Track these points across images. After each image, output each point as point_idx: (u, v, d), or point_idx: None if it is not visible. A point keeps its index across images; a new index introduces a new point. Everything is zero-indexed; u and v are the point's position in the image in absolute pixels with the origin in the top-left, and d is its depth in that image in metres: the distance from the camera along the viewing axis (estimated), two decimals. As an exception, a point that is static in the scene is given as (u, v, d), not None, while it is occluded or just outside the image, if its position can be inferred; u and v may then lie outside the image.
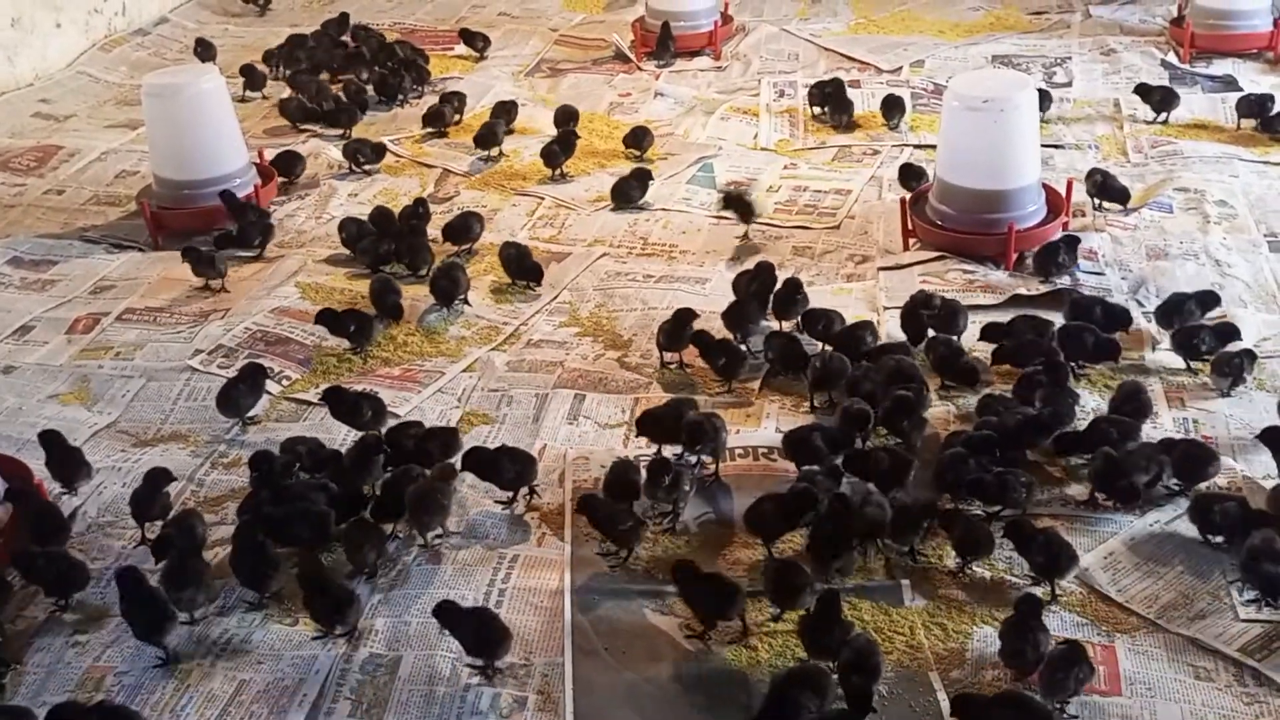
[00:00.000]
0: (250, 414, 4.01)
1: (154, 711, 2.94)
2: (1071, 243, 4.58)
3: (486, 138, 5.82)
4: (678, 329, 4.18)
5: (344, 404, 3.88)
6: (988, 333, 4.12)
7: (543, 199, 5.50)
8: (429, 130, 6.13)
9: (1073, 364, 3.97)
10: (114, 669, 3.07)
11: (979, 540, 3.27)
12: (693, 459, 3.67)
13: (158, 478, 3.56)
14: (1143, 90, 5.97)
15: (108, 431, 4.03)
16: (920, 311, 4.20)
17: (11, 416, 4.07)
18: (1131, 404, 3.75)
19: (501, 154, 5.42)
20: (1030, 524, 3.28)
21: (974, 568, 3.27)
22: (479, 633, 3.01)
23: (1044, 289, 4.49)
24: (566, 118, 5.98)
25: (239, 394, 3.98)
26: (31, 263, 5.16)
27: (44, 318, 4.71)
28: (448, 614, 3.04)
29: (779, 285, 4.39)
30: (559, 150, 5.65)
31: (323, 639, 3.11)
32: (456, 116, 6.26)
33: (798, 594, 3.10)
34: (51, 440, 3.72)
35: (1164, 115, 5.90)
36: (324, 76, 6.82)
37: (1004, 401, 3.81)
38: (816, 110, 6.19)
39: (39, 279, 5.03)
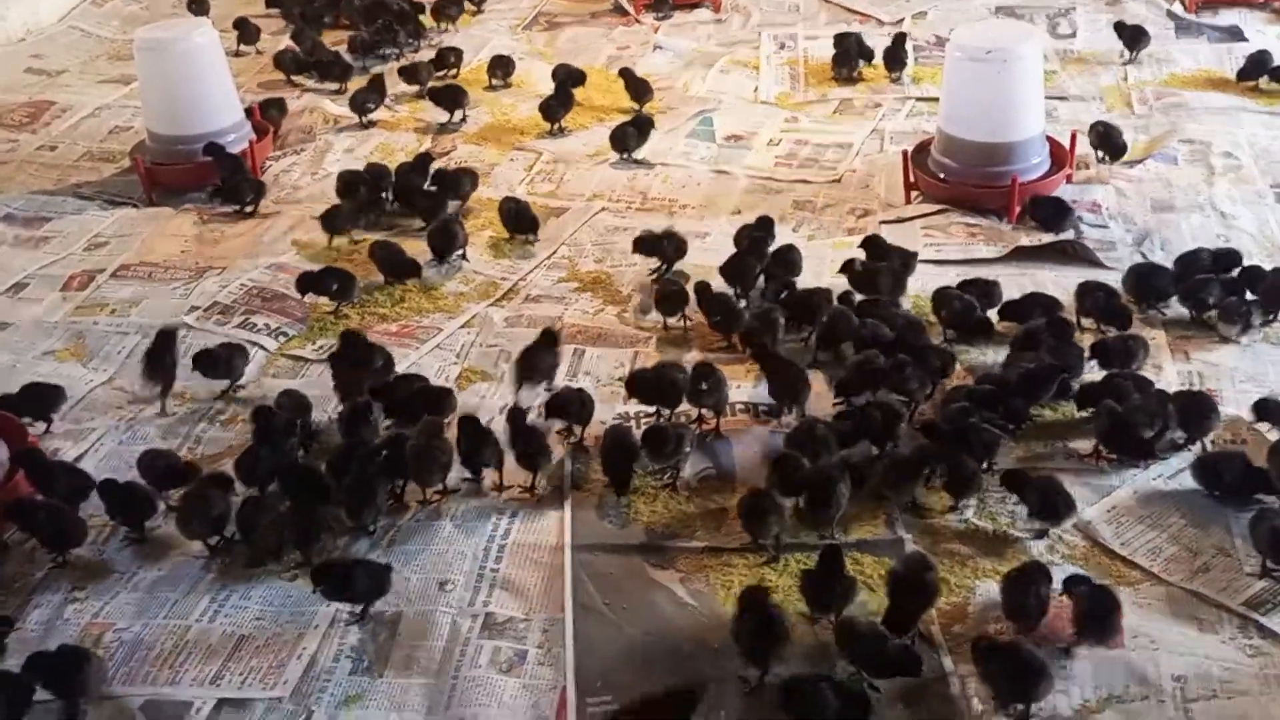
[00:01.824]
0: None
1: (153, 667, 2.92)
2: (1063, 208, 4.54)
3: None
4: (675, 300, 4.13)
5: (359, 348, 3.85)
6: (1006, 312, 4.02)
7: (541, 153, 5.45)
8: (420, 86, 6.00)
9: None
10: (114, 625, 3.05)
11: (966, 479, 3.27)
12: (694, 414, 3.64)
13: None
14: (1117, 28, 6.00)
15: (104, 388, 4.00)
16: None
17: (6, 373, 4.03)
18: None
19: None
20: (1025, 472, 3.28)
21: (974, 519, 3.25)
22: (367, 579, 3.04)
23: (1046, 239, 4.44)
24: (569, 78, 5.85)
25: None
26: (25, 220, 5.10)
27: (38, 274, 4.67)
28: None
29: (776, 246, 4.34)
30: (557, 104, 5.59)
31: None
32: (439, 73, 6.17)
33: (764, 518, 3.12)
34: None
35: (1134, 54, 5.93)
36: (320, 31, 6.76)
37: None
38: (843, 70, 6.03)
39: (32, 236, 4.98)
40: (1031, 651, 2.75)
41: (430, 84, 5.90)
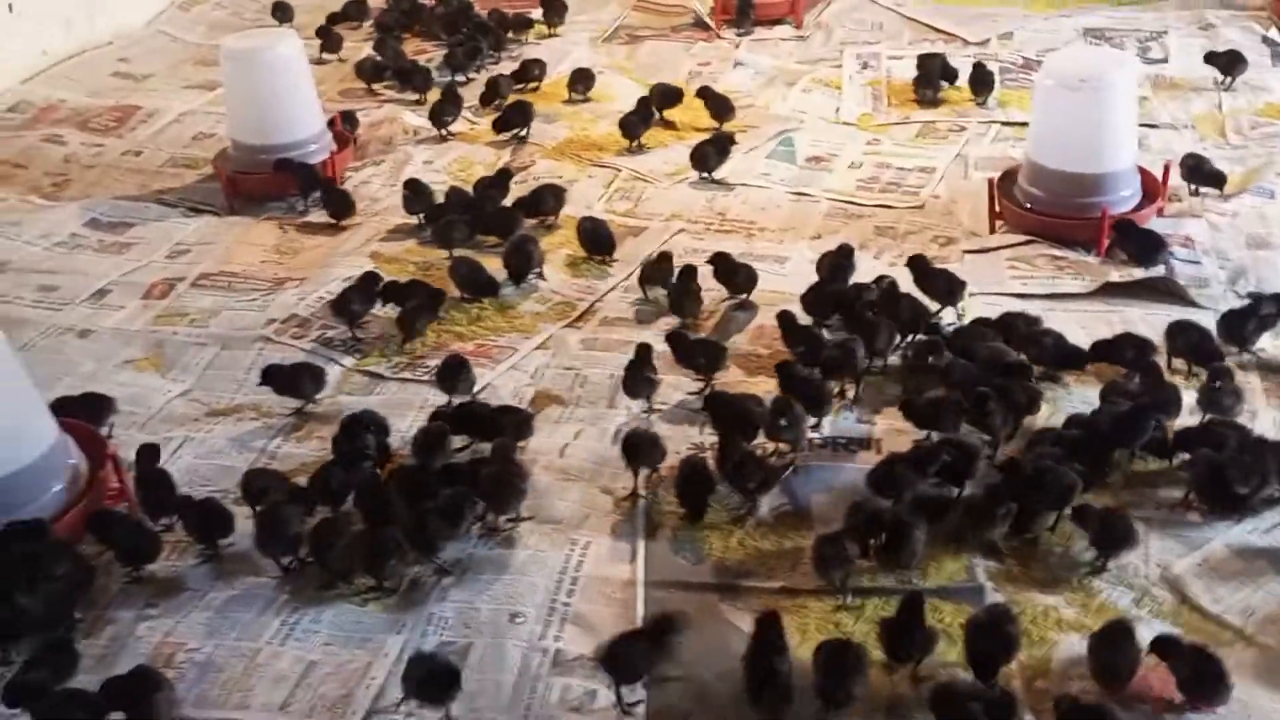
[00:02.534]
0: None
1: (222, 691, 2.91)
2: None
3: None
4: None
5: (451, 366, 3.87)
6: (1096, 351, 3.89)
7: (620, 171, 5.41)
8: (498, 103, 5.93)
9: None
10: (185, 645, 3.05)
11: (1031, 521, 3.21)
12: (770, 446, 3.59)
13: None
14: (1208, 56, 5.84)
15: (181, 399, 4.02)
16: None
17: (87, 381, 4.04)
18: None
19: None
20: (1091, 505, 3.22)
21: (1058, 569, 3.17)
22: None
23: (1138, 275, 4.32)
24: (664, 98, 5.77)
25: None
26: (109, 224, 5.16)
27: (121, 281, 4.71)
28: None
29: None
30: (638, 121, 5.55)
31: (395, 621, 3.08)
32: (519, 85, 6.15)
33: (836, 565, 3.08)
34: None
35: (1229, 80, 5.77)
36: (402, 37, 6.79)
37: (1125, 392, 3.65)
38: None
39: (116, 241, 5.03)
40: (1117, 715, 2.66)
41: (493, 115, 5.81)
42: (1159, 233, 4.45)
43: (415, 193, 4.97)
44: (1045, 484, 3.25)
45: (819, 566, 3.10)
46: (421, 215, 4.93)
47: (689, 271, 4.33)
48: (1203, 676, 2.77)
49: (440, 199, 4.99)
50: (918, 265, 4.26)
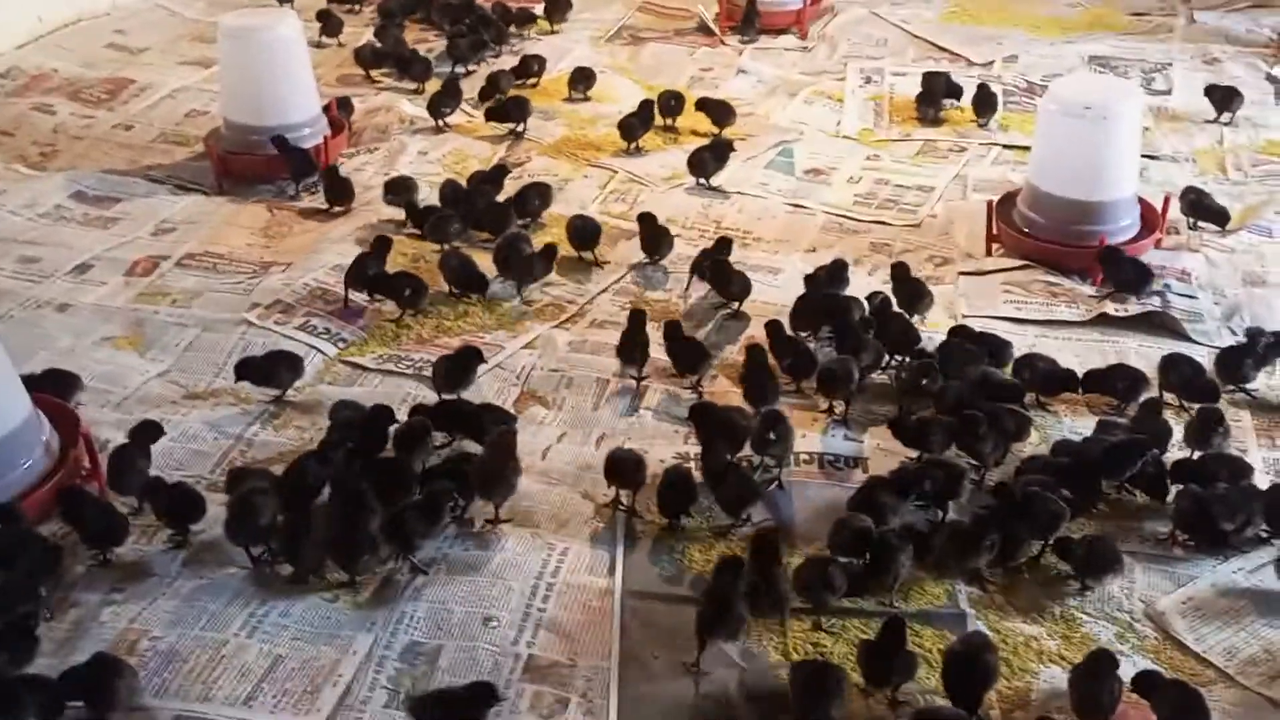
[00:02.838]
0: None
1: (186, 680, 2.84)
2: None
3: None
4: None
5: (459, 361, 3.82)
6: (1089, 382, 3.86)
7: (616, 172, 5.35)
8: (497, 98, 5.83)
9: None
10: (149, 632, 2.97)
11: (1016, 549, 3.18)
12: (756, 460, 3.53)
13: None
14: (1208, 91, 5.82)
15: (159, 380, 3.95)
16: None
17: (64, 357, 3.97)
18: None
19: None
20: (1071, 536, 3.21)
21: (1042, 598, 3.13)
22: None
23: (1133, 310, 4.29)
24: (668, 106, 5.68)
25: None
26: (95, 198, 5.09)
27: (104, 256, 4.64)
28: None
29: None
30: (637, 124, 5.49)
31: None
32: (519, 81, 6.09)
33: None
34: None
35: (1227, 115, 5.75)
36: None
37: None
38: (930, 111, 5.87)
39: (101, 215, 4.97)
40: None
41: (488, 104, 5.75)
42: (1147, 264, 4.42)
43: (395, 188, 4.90)
44: (1033, 511, 3.21)
45: (802, 590, 3.05)
46: (404, 207, 4.84)
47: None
48: (1184, 715, 2.73)
49: (428, 191, 4.94)
50: (897, 271, 4.29)
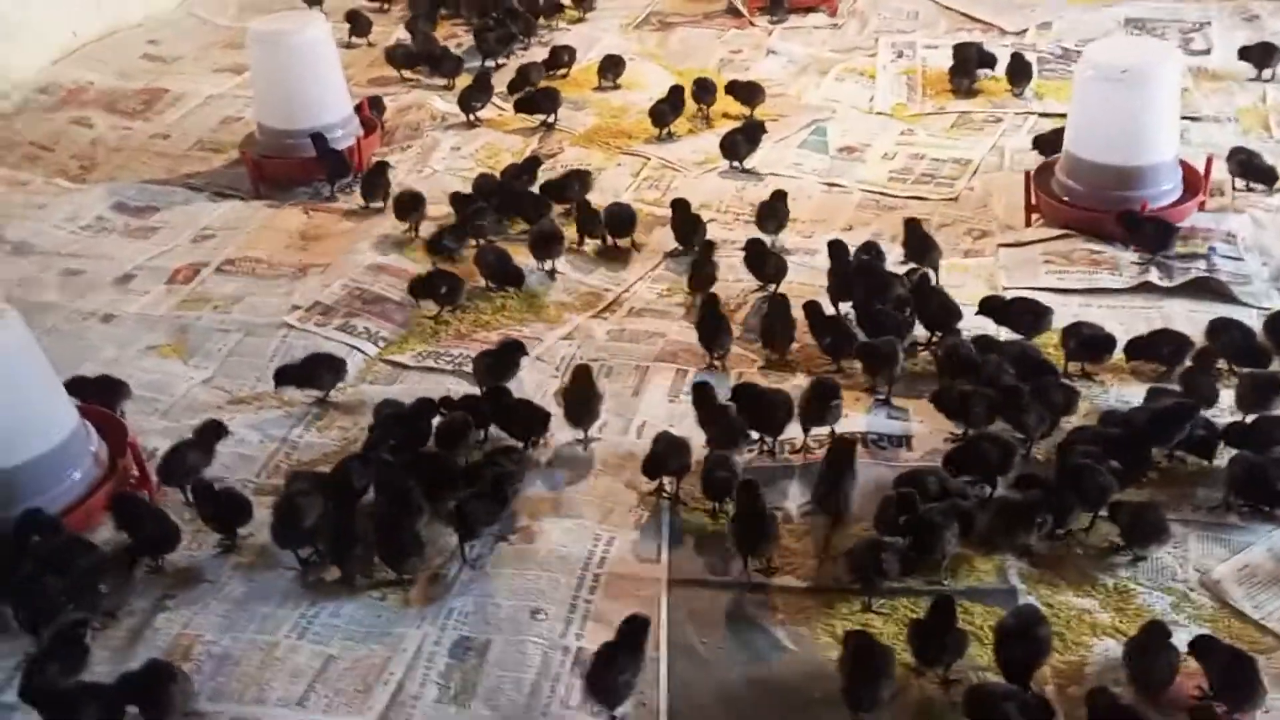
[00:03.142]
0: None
1: (239, 684, 2.87)
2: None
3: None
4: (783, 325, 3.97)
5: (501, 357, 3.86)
6: (1134, 349, 3.82)
7: (649, 159, 5.33)
8: (527, 90, 5.81)
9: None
10: (202, 637, 3.00)
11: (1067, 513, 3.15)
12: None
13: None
14: (1243, 51, 5.72)
15: (203, 387, 3.98)
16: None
17: (109, 367, 4.01)
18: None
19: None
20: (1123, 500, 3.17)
21: (1094, 570, 3.09)
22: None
23: (1179, 280, 4.21)
24: (700, 93, 5.63)
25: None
26: (135, 209, 5.14)
27: (146, 266, 4.69)
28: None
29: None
30: (668, 110, 5.47)
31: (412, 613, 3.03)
32: (550, 71, 6.07)
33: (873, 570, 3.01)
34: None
35: (1268, 73, 5.64)
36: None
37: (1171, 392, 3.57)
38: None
39: (143, 225, 5.02)
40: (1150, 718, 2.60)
41: (517, 96, 5.73)
42: (1167, 221, 4.35)
43: (402, 205, 4.82)
44: (1082, 485, 3.17)
45: (853, 572, 3.03)
46: (414, 227, 4.78)
47: (708, 246, 4.32)
48: (1235, 680, 2.69)
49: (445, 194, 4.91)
50: (910, 225, 4.33)
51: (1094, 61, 4.48)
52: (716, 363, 3.92)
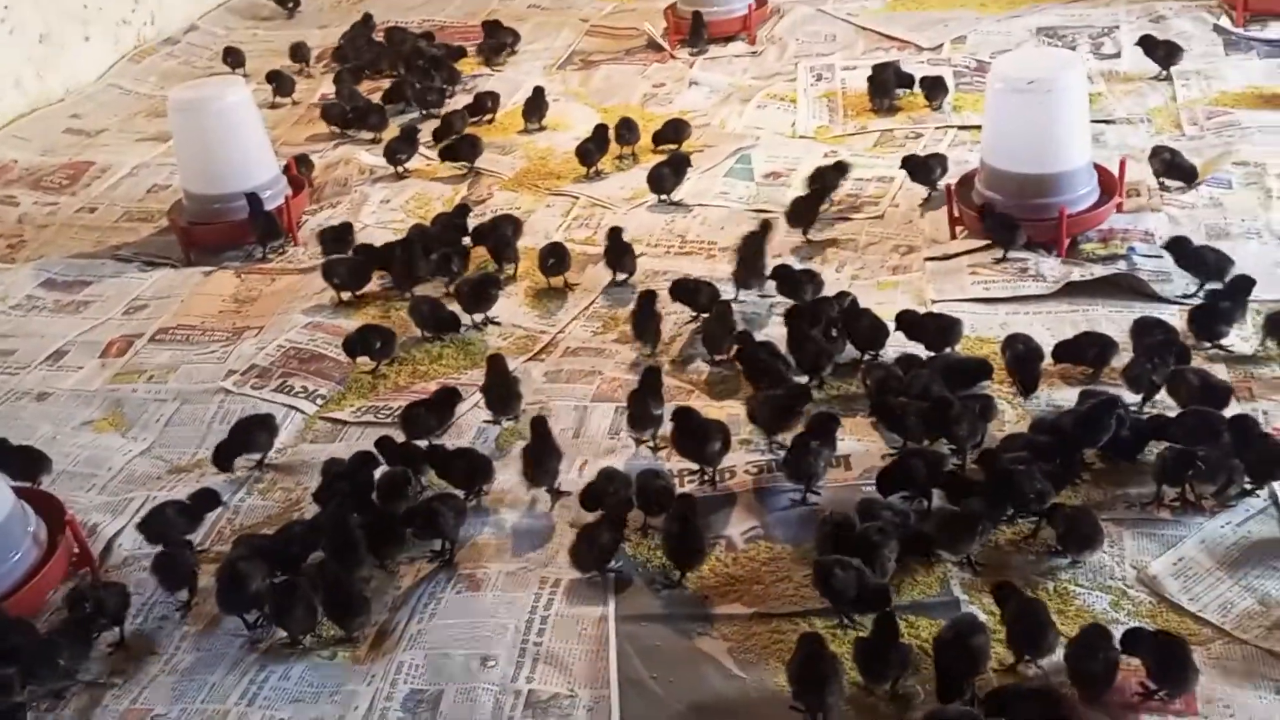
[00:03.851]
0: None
1: (192, 753, 2.87)
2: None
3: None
4: (720, 328, 4.06)
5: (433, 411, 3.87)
6: (1060, 352, 3.88)
7: (578, 198, 5.38)
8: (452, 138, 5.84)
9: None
10: (152, 710, 2.99)
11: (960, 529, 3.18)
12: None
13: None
14: (1146, 44, 5.84)
15: (142, 458, 3.96)
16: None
17: (46, 445, 3.98)
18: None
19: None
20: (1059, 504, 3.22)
21: (1034, 575, 3.13)
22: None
23: (1099, 273, 4.30)
24: (624, 128, 5.64)
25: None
26: (65, 284, 5.11)
27: (78, 341, 4.66)
28: None
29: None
30: (593, 148, 5.52)
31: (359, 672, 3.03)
32: (474, 119, 6.11)
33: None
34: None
35: (1166, 71, 5.78)
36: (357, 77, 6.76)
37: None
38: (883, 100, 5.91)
39: (72, 300, 4.99)
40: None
41: (440, 145, 5.78)
42: (1011, 216, 4.48)
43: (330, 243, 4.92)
44: (1018, 490, 3.22)
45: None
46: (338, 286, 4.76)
47: (648, 296, 4.29)
48: (1168, 665, 2.75)
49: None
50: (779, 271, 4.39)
51: (1002, 74, 4.58)
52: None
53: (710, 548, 3.29)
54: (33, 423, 4.15)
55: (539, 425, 3.63)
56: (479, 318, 4.48)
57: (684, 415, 3.63)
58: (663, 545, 3.23)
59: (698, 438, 3.56)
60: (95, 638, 3.16)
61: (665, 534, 3.22)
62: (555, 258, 4.65)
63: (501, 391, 3.89)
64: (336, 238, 5.00)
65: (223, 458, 3.80)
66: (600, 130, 5.62)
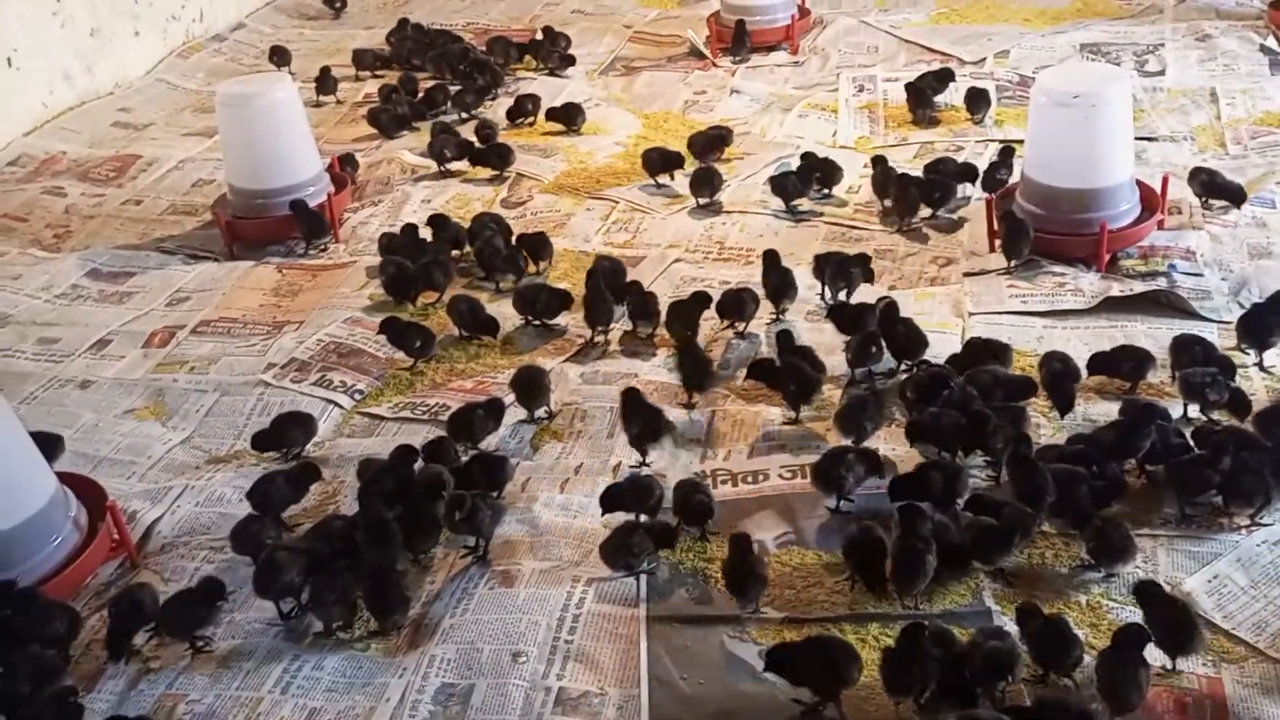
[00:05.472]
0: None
1: (224, 741, 2.90)
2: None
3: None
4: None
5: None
6: (1095, 365, 3.87)
7: (617, 203, 5.40)
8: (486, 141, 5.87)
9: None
10: (186, 696, 3.02)
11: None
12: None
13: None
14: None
15: (182, 447, 4.01)
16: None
17: (88, 433, 4.06)
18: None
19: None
20: (1093, 515, 3.22)
21: (1066, 588, 3.12)
22: None
23: (1139, 289, 4.29)
24: (708, 145, 5.63)
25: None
26: (110, 275, 5.18)
27: (121, 331, 4.72)
28: None
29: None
30: (658, 161, 5.48)
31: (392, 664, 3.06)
32: (517, 120, 6.18)
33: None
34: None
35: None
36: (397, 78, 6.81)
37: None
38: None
39: (117, 291, 5.05)
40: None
41: (471, 152, 5.79)
42: (1024, 221, 4.49)
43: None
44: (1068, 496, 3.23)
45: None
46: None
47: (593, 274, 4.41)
48: (1176, 626, 2.87)
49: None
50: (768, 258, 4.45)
51: (1046, 88, 4.57)
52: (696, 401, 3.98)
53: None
54: (76, 410, 4.21)
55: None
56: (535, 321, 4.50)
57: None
58: (723, 578, 3.17)
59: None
60: (219, 605, 3.22)
61: (726, 567, 3.17)
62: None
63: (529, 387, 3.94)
64: (406, 243, 4.96)
65: (260, 444, 3.86)
66: (674, 154, 5.54)
